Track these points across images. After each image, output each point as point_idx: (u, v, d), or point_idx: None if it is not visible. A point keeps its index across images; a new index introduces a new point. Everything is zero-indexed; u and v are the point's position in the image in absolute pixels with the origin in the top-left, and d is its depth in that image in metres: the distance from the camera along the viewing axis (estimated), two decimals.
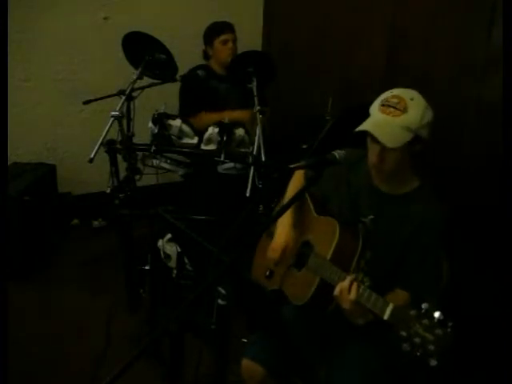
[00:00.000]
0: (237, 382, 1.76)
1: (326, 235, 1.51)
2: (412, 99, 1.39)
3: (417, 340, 1.12)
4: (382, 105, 1.41)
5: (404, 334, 1.14)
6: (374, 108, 1.44)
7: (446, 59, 2.46)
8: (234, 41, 2.96)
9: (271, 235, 1.74)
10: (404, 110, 1.37)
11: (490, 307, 2.20)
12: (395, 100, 1.39)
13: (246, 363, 1.61)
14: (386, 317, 1.23)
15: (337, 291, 1.38)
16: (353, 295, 1.34)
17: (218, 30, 2.95)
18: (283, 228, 1.69)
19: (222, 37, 2.92)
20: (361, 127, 1.41)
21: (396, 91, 1.43)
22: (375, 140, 1.40)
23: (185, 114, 2.83)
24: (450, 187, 2.34)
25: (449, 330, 1.10)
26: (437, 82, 2.48)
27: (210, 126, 2.45)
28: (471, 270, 2.21)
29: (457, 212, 2.06)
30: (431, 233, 1.46)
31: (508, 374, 1.70)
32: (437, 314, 1.11)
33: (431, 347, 1.09)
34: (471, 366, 2.19)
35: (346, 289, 1.35)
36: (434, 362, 1.09)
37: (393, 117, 1.37)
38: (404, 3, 2.67)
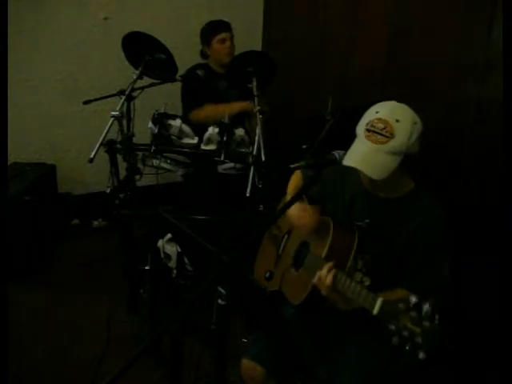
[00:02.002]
0: (237, 382, 1.76)
1: (322, 234, 1.51)
2: (398, 121, 1.35)
3: (405, 333, 1.11)
4: (368, 130, 1.36)
5: (393, 327, 1.14)
6: (360, 130, 1.39)
7: (446, 59, 2.46)
8: (232, 39, 2.96)
9: (272, 236, 1.75)
10: (391, 136, 1.33)
11: (489, 307, 2.20)
12: (381, 125, 1.35)
13: (245, 363, 1.62)
14: (375, 311, 1.23)
15: (315, 278, 1.40)
16: (328, 281, 1.36)
17: (215, 29, 2.95)
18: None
19: (219, 36, 2.93)
20: (348, 161, 1.37)
21: (381, 112, 1.38)
22: None
23: (189, 110, 2.84)
24: (450, 187, 2.34)
25: (436, 322, 1.09)
26: (437, 82, 2.48)
27: (210, 125, 2.45)
28: (471, 270, 2.21)
29: (457, 212, 2.07)
30: (430, 234, 1.45)
31: (508, 374, 1.70)
32: (425, 307, 1.11)
33: (419, 340, 1.09)
34: (470, 366, 2.20)
35: (324, 275, 1.37)
36: (422, 355, 1.08)
37: (379, 144, 1.34)
38: (404, 3, 2.67)
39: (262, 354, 1.60)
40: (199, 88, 2.91)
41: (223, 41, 2.93)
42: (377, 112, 1.38)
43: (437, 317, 1.09)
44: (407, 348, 1.10)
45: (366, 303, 1.28)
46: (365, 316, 1.35)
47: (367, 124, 1.37)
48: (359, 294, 1.31)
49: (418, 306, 1.12)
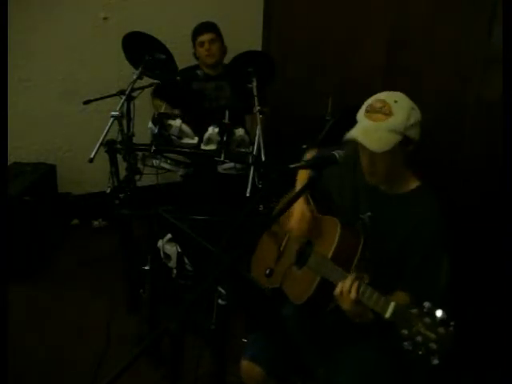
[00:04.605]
0: (237, 382, 1.76)
1: (328, 234, 1.51)
2: (396, 101, 1.39)
3: (419, 339, 1.12)
4: (367, 111, 1.41)
5: (406, 332, 1.14)
6: (361, 114, 1.44)
7: (446, 59, 2.46)
8: (213, 41, 2.99)
9: (272, 233, 1.74)
10: (389, 114, 1.37)
11: (489, 307, 2.20)
12: (379, 104, 1.40)
13: (245, 363, 1.61)
14: (387, 315, 1.23)
15: (337, 291, 1.37)
16: (353, 295, 1.33)
17: (196, 31, 3.02)
18: (297, 204, 1.65)
19: (199, 38, 3.00)
20: (349, 135, 1.41)
21: (380, 95, 1.43)
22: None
23: (155, 93, 2.91)
24: (450, 187, 2.34)
25: (451, 328, 1.10)
26: (437, 82, 2.47)
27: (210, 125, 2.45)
28: (471, 269, 2.21)
29: (457, 212, 2.07)
30: (430, 233, 1.45)
31: (508, 374, 1.70)
32: (439, 313, 1.11)
33: (433, 346, 1.09)
34: (470, 366, 2.20)
35: (347, 289, 1.34)
36: (436, 361, 1.09)
37: (378, 122, 1.38)
38: (404, 3, 2.67)
39: (261, 354, 1.60)
40: (185, 88, 2.95)
41: (202, 44, 2.99)
42: (375, 96, 1.44)
43: (452, 323, 1.10)
44: (420, 353, 1.11)
45: (377, 306, 1.28)
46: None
47: (367, 106, 1.43)
48: (370, 297, 1.31)
49: (431, 312, 1.12)
